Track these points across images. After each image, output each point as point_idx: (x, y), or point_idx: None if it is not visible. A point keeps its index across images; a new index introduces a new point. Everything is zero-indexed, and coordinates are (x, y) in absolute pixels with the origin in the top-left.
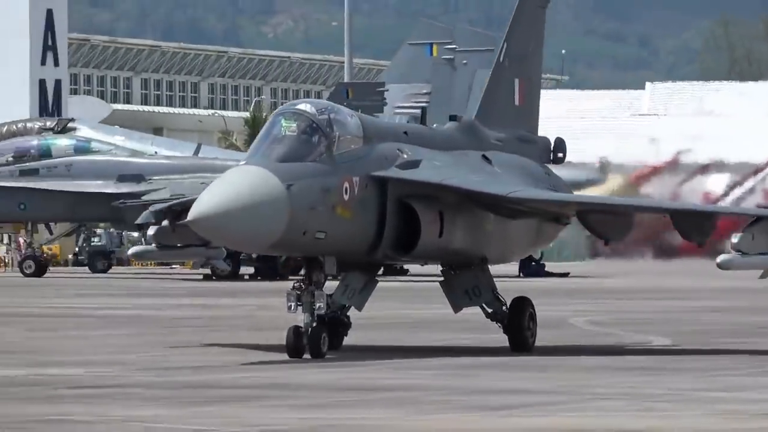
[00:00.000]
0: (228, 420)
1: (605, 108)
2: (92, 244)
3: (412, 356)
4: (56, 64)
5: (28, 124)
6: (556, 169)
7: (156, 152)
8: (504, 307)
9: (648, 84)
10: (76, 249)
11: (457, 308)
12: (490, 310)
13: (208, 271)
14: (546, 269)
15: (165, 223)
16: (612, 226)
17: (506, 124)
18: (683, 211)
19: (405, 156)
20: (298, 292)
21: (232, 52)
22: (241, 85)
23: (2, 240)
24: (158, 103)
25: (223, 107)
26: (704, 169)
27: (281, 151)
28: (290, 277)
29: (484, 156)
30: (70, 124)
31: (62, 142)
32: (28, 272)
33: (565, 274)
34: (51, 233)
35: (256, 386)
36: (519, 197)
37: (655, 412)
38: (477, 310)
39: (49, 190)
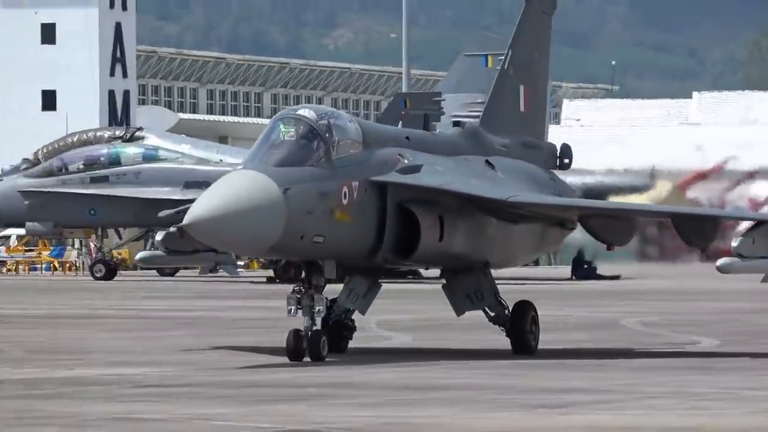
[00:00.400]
0: (293, 418)
1: (654, 117)
2: None
3: (454, 357)
4: (125, 75)
5: (98, 133)
6: (601, 176)
7: (221, 160)
8: (506, 311)
9: (695, 94)
10: None
11: (459, 312)
12: (492, 314)
13: (271, 273)
14: (597, 272)
15: (173, 228)
16: (614, 230)
17: (511, 131)
18: (683, 215)
19: (406, 161)
20: (298, 296)
21: (294, 64)
22: (302, 95)
23: (73, 245)
24: (223, 113)
25: None
26: (749, 175)
27: (279, 155)
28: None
29: (487, 161)
30: (138, 133)
31: (131, 150)
32: (98, 276)
33: (616, 277)
34: (120, 238)
35: (319, 385)
36: (518, 201)
37: (704, 411)
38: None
39: (118, 196)
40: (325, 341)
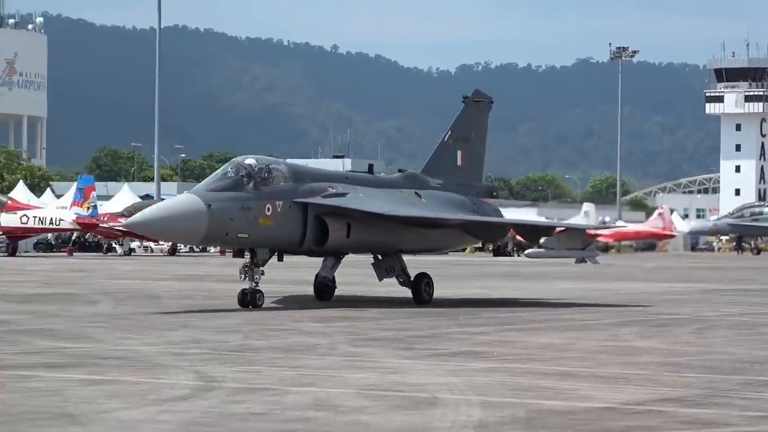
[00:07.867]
0: None
1: None
2: None
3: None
4: None
5: None
6: None
7: None
8: (410, 279)
9: None
10: None
11: (380, 278)
12: (401, 280)
13: None
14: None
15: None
16: (486, 233)
17: (448, 176)
18: (522, 225)
19: (332, 190)
20: (246, 268)
21: None
22: None
23: None
24: None
25: None
26: None
27: (217, 185)
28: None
29: (416, 193)
30: None
31: None
32: None
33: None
34: None
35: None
36: (394, 215)
37: None
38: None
39: None
40: (261, 296)
